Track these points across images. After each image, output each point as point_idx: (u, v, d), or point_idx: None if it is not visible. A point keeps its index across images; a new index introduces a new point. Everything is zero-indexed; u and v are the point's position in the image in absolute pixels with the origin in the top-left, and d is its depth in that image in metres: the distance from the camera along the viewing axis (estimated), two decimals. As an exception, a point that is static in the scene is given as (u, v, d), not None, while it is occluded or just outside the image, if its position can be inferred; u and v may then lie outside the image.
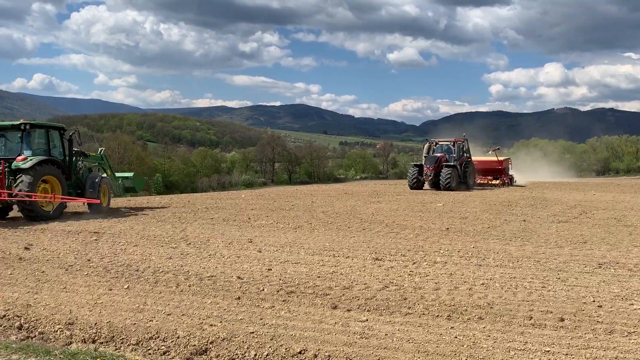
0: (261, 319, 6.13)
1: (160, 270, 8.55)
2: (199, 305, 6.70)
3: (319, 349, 5.22)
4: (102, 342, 5.70)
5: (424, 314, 6.30)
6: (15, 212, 15.31)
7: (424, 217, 15.26)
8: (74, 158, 16.17)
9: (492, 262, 9.08)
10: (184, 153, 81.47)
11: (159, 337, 5.67)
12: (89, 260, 9.43)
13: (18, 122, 14.99)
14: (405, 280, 7.85)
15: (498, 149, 33.51)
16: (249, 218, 15.38)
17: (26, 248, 10.53)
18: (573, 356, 4.99)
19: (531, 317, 6.07)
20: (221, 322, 6.03)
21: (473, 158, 30.87)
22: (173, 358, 5.33)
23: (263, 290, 7.34)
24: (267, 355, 5.21)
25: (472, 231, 12.55)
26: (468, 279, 7.90)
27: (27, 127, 14.82)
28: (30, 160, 14.29)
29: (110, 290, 7.44)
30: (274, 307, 6.60)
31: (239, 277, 8.01)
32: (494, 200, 21.16)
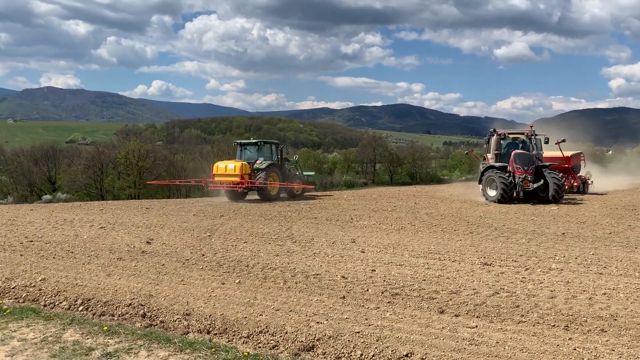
0: (366, 319, 6.13)
1: (269, 267, 8.85)
2: (305, 302, 6.84)
3: (426, 353, 5.11)
4: (216, 334, 6.01)
5: (538, 322, 5.95)
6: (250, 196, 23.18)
7: (536, 221, 14.43)
8: (283, 163, 23.77)
9: (614, 271, 8.36)
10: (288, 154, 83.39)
11: (268, 331, 5.87)
12: (203, 255, 10.00)
13: (255, 141, 23.68)
14: (518, 287, 7.46)
15: (563, 140, 23.79)
16: (352, 218, 15.46)
17: (148, 242, 11.39)
18: None
19: (663, 333, 5.52)
20: (327, 320, 6.11)
21: None
22: (282, 352, 5.49)
23: (367, 290, 7.34)
24: (373, 355, 5.20)
25: (591, 237, 11.65)
26: (587, 287, 7.34)
27: (261, 143, 23.39)
28: (264, 163, 22.22)
29: (223, 284, 7.83)
30: (378, 308, 6.57)
31: (343, 277, 8.07)
32: (615, 203, 19.49)
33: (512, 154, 20.23)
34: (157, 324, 6.37)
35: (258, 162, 22.21)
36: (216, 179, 22.25)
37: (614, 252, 9.93)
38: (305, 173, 26.76)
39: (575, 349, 5.15)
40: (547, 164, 20.45)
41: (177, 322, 6.35)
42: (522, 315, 6.18)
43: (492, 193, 20.17)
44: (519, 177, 19.62)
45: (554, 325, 5.84)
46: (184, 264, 9.27)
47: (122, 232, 13.17)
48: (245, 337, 5.86)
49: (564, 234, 12.12)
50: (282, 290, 7.44)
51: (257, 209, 18.65)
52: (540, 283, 7.63)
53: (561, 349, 5.17)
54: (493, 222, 14.22)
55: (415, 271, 8.51)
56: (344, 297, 7.06)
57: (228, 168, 21.79)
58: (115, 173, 46.21)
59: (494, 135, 21.53)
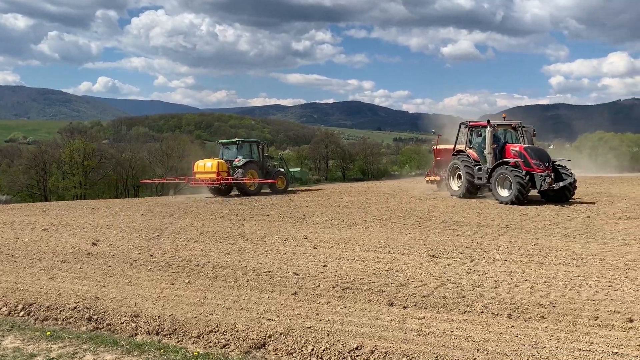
0: (318, 314, 6.18)
1: (219, 266, 8.77)
2: (256, 300, 6.83)
3: (375, 345, 5.21)
4: (165, 335, 5.92)
5: (483, 312, 6.16)
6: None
7: (482, 214, 14.90)
8: (265, 160, 25.10)
9: (554, 260, 8.76)
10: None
11: (218, 330, 5.83)
12: (151, 255, 9.80)
13: (234, 140, 24.87)
14: (463, 277, 7.70)
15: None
16: (304, 215, 15.51)
17: (94, 244, 11.06)
18: (644, 359, 4.75)
19: (597, 317, 5.82)
20: (279, 316, 6.13)
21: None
22: (232, 351, 5.46)
23: (319, 286, 7.40)
24: (323, 350, 5.25)
25: (533, 228, 12.15)
26: (529, 277, 7.66)
27: (239, 142, 24.58)
28: (242, 161, 23.56)
29: (172, 284, 7.70)
30: (330, 302, 6.64)
31: (295, 273, 8.10)
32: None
33: (524, 148, 17.98)
34: (103, 327, 6.21)
35: (237, 159, 23.63)
36: (197, 176, 24.14)
37: (553, 242, 10.39)
38: (291, 169, 28.29)
39: (517, 336, 5.36)
40: (557, 159, 18.60)
41: (124, 324, 6.21)
42: (468, 305, 6.38)
43: (505, 193, 17.49)
44: (541, 175, 17.10)
45: (497, 314, 6.06)
46: (131, 265, 9.06)
47: (67, 233, 12.74)
48: (196, 337, 5.80)
49: (507, 225, 12.58)
50: (233, 289, 7.40)
51: (208, 207, 18.42)
52: (485, 273, 7.90)
53: (504, 336, 5.38)
54: (440, 216, 14.59)
55: (366, 265, 8.63)
56: (295, 293, 7.09)
57: (206, 166, 23.60)
58: (59, 173, 44.60)
59: (487, 127, 18.80)
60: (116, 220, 15.23)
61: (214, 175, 23.24)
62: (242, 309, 6.46)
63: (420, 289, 7.14)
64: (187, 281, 7.84)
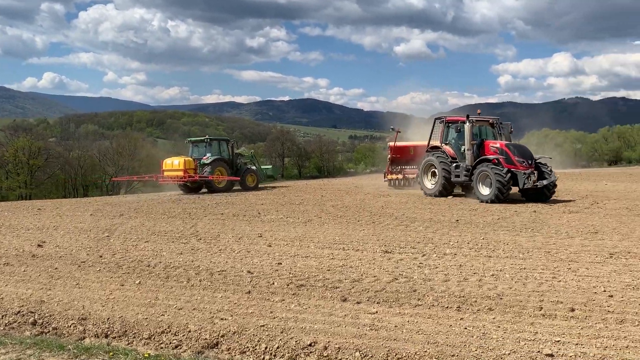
0: (271, 312, 6.17)
1: (172, 266, 8.62)
2: (209, 299, 6.75)
3: (328, 341, 5.25)
4: (115, 337, 5.78)
5: (433, 305, 6.30)
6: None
7: (433, 209, 15.22)
8: (235, 157, 25.36)
9: (502, 254, 9.05)
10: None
11: (170, 331, 5.74)
12: (101, 256, 9.53)
13: (202, 138, 25.05)
14: (415, 272, 7.85)
15: (399, 131, 23.48)
16: (259, 213, 15.43)
17: (39, 245, 10.67)
18: (583, 346, 4.98)
19: (541, 308, 6.06)
20: (232, 315, 6.08)
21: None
22: (185, 352, 5.39)
23: (273, 284, 7.38)
24: (277, 348, 5.25)
25: (482, 222, 12.51)
26: (478, 270, 7.88)
27: (208, 140, 24.70)
28: (210, 158, 23.80)
29: (122, 285, 7.52)
30: (284, 300, 6.64)
31: (249, 272, 8.05)
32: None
33: (505, 145, 17.46)
34: (49, 331, 6.01)
35: (205, 157, 23.91)
36: (165, 174, 24.39)
37: (501, 236, 10.73)
38: (263, 167, 29.03)
39: (466, 328, 5.52)
40: (539, 156, 17.85)
41: (71, 327, 6.03)
42: (419, 299, 6.52)
43: (486, 191, 16.87)
44: (525, 173, 16.49)
45: (447, 307, 6.21)
46: (79, 266, 8.78)
47: (10, 235, 12.23)
48: (147, 339, 5.69)
49: (457, 220, 12.91)
50: (185, 289, 7.29)
51: (160, 206, 18.07)
52: (436, 267, 8.09)
53: (453, 328, 5.52)
54: (394, 212, 14.82)
55: (320, 262, 8.67)
56: (249, 292, 7.05)
57: (174, 164, 23.95)
58: (2, 172, 42.72)
59: (466, 122, 18.05)
60: (63, 220, 14.73)
61: (181, 173, 23.48)
62: (194, 309, 6.37)
63: (373, 284, 7.24)
64: (137, 282, 7.67)
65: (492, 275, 7.57)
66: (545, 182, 16.67)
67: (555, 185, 17.17)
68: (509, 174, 16.53)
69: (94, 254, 9.77)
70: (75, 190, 44.97)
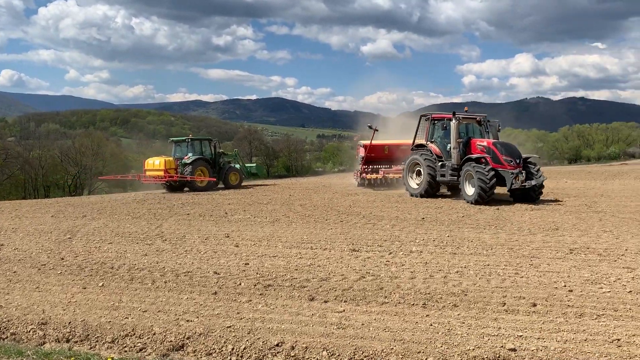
0: (238, 313, 6.13)
1: (136, 268, 8.46)
2: (175, 301, 6.66)
3: (296, 341, 5.24)
4: (77, 341, 5.64)
5: (400, 302, 6.36)
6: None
7: (400, 208, 15.37)
8: (217, 157, 25.62)
9: (466, 251, 9.20)
10: (160, 148, 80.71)
11: (134, 334, 5.63)
12: (62, 259, 9.28)
13: (184, 138, 25.45)
14: (382, 270, 7.91)
15: (376, 129, 22.85)
16: (226, 213, 15.29)
17: (-3, 248, 10.31)
18: (545, 340, 5.11)
19: (504, 303, 6.19)
20: (198, 317, 6.01)
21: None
22: (149, 355, 5.30)
23: (240, 284, 7.33)
24: (244, 348, 5.21)
25: (447, 220, 12.70)
26: (443, 267, 8.00)
27: (189, 140, 25.16)
28: (191, 158, 24.13)
29: (85, 288, 7.34)
30: (251, 301, 6.60)
31: (215, 272, 7.97)
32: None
33: (493, 143, 16.72)
34: (7, 337, 5.82)
35: (186, 157, 24.25)
36: (147, 173, 24.66)
37: (466, 233, 10.92)
38: (247, 165, 29.68)
39: (431, 325, 5.59)
40: (527, 155, 16.91)
41: (31, 332, 5.85)
42: (386, 297, 6.57)
43: (471, 191, 16.16)
44: (512, 173, 15.68)
45: (413, 304, 6.29)
46: (39, 269, 8.54)
47: (-35, 238, 11.77)
48: (110, 342, 5.57)
49: (423, 218, 13.07)
50: (150, 291, 7.16)
51: (125, 207, 17.71)
52: (402, 265, 8.17)
53: (419, 325, 5.59)
54: (361, 211, 14.90)
55: (288, 261, 8.65)
56: (215, 292, 6.98)
57: (155, 164, 24.24)
58: (-44, 173, 41.18)
59: (452, 119, 17.24)
60: (23, 222, 14.28)
61: (161, 173, 23.83)
62: (159, 311, 6.27)
63: (340, 282, 7.26)
64: (100, 285, 7.50)
65: (457, 272, 7.70)
66: (533, 182, 15.85)
67: (542, 186, 16.29)
68: (492, 174, 15.69)
69: (55, 256, 9.51)
70: (35, 191, 43.71)
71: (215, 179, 24.69)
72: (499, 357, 4.79)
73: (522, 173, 15.86)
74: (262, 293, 6.91)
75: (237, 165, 26.87)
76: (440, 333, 5.35)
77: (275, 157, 66.34)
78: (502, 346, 4.97)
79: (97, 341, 5.61)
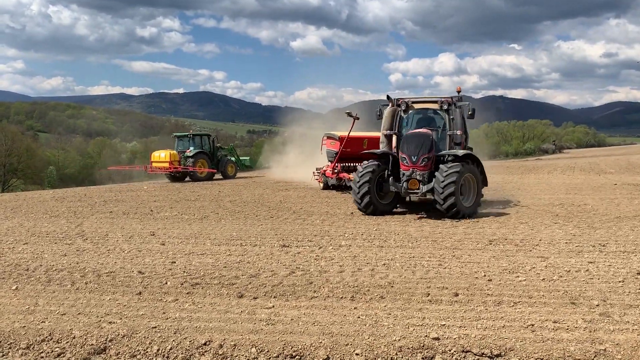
0: (164, 313, 5.96)
1: (54, 269, 8.03)
2: (96, 302, 6.38)
3: (224, 339, 5.17)
4: (-13, 349, 5.26)
5: (329, 296, 6.43)
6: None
7: (330, 203, 15.54)
8: (216, 150, 28.81)
9: (392, 243, 9.44)
10: (80, 144, 77.18)
11: (52, 338, 5.34)
12: (-30, 262, 8.64)
13: (186, 133, 29.24)
14: (312, 264, 7.96)
15: (357, 118, 18.60)
16: (152, 210, 14.83)
17: None
18: (466, 328, 5.33)
19: (428, 294, 6.41)
20: (121, 318, 5.79)
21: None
22: (68, 359, 5.05)
23: (166, 283, 7.13)
24: (170, 349, 5.08)
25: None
26: (370, 260, 8.17)
27: (190, 135, 28.70)
28: (193, 151, 27.38)
29: (-4, 293, 6.87)
30: (177, 300, 6.43)
31: (140, 272, 7.71)
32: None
33: (404, 136, 13.07)
34: None
35: (188, 150, 27.42)
36: (153, 165, 27.82)
37: (392, 226, 11.21)
38: (241, 158, 32.61)
39: (359, 317, 5.69)
40: (466, 151, 13.10)
41: None
42: (315, 291, 6.62)
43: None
44: (404, 174, 12.54)
45: (341, 297, 6.37)
46: (-56, 274, 7.90)
47: None
48: (24, 349, 5.25)
49: (352, 213, 13.28)
50: (69, 293, 6.81)
51: (42, 205, 16.75)
52: (332, 259, 8.26)
53: (347, 318, 5.67)
54: (292, 206, 14.92)
55: (217, 259, 8.51)
56: (140, 292, 6.75)
57: (160, 156, 27.48)
58: None
59: (401, 106, 13.60)
60: None
61: (167, 165, 27.12)
62: (79, 313, 5.98)
63: (270, 278, 7.24)
64: (14, 288, 7.05)
65: (384, 264, 7.88)
66: (425, 189, 12.33)
67: (452, 195, 11.94)
68: (366, 189, 12.60)
69: (-38, 259, 8.83)
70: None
71: (214, 170, 27.84)
72: (423, 346, 4.95)
73: (416, 174, 12.37)
74: (189, 292, 6.76)
75: (233, 158, 29.93)
76: (367, 325, 5.45)
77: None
78: (426, 335, 5.14)
79: (10, 348, 5.27)
